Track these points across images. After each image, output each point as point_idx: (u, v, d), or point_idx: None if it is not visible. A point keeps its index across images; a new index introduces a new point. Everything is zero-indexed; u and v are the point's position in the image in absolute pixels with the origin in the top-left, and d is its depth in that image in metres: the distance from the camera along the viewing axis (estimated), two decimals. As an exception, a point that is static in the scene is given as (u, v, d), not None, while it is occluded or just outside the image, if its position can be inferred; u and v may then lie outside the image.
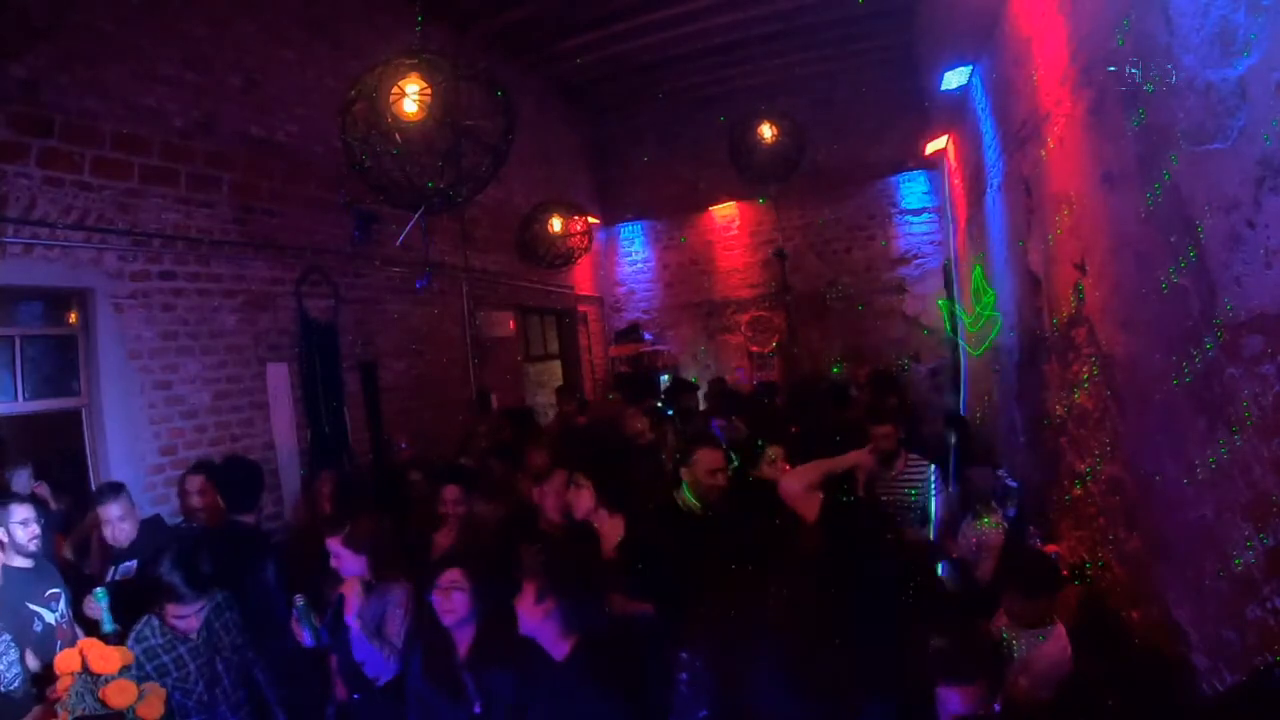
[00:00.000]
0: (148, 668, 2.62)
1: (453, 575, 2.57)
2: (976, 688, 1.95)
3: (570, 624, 2.20)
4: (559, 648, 2.21)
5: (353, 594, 2.75)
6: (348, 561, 2.85)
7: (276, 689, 2.90)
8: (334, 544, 2.86)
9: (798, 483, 2.95)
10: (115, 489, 3.26)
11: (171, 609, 2.65)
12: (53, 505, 3.74)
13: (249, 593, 3.11)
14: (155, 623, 2.72)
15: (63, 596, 2.89)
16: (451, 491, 3.62)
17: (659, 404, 6.49)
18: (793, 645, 2.12)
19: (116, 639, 2.71)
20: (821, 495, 2.82)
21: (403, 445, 5.66)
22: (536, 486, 3.50)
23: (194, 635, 2.73)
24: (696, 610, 2.35)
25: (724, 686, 2.10)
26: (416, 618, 2.80)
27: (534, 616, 2.20)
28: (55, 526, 3.66)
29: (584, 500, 3.06)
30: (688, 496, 3.20)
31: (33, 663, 2.63)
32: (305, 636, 2.80)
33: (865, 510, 3.03)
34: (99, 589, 2.88)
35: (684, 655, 2.19)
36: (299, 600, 2.82)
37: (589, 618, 2.24)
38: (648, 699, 2.20)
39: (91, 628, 2.89)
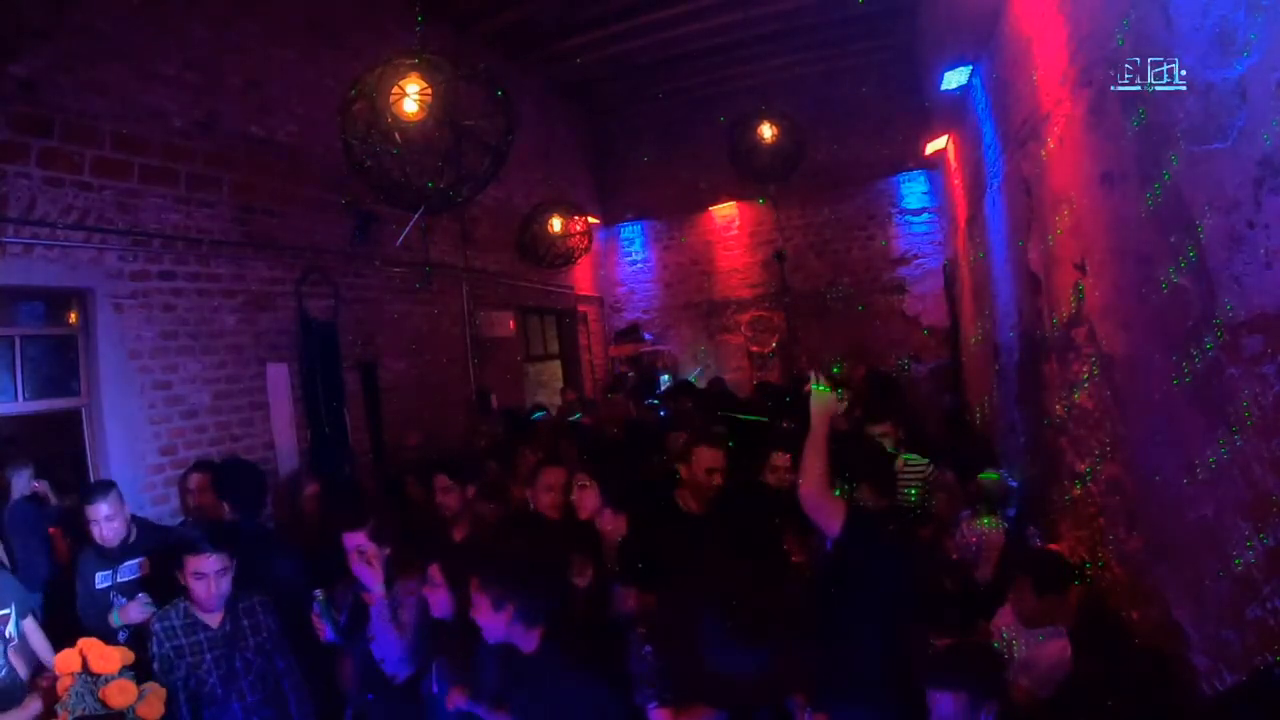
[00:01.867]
0: (166, 646, 2.70)
1: (431, 570, 2.60)
2: (966, 694, 1.95)
3: (531, 619, 2.23)
4: (527, 642, 2.24)
5: (375, 586, 2.74)
6: (370, 557, 2.82)
7: (302, 697, 2.86)
8: (358, 538, 2.80)
9: (814, 483, 2.51)
10: (104, 487, 3.22)
11: (191, 562, 2.68)
12: (53, 500, 3.74)
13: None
14: (183, 606, 2.77)
15: (12, 616, 2.82)
16: (440, 480, 3.56)
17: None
18: (734, 597, 2.13)
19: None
20: (844, 504, 2.57)
21: (413, 444, 5.63)
22: (528, 488, 3.40)
23: (215, 626, 2.75)
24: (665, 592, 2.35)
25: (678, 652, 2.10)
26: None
27: (497, 625, 2.22)
28: (52, 522, 3.66)
29: (588, 500, 3.04)
30: (686, 496, 3.19)
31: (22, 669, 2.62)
32: (326, 631, 2.78)
33: (890, 518, 2.95)
34: (141, 594, 2.99)
35: (641, 631, 2.20)
36: (319, 594, 2.79)
37: (546, 604, 2.27)
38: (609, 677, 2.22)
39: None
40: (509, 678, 2.28)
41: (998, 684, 2.01)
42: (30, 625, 2.91)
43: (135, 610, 2.94)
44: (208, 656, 2.72)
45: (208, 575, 2.69)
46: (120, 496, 3.24)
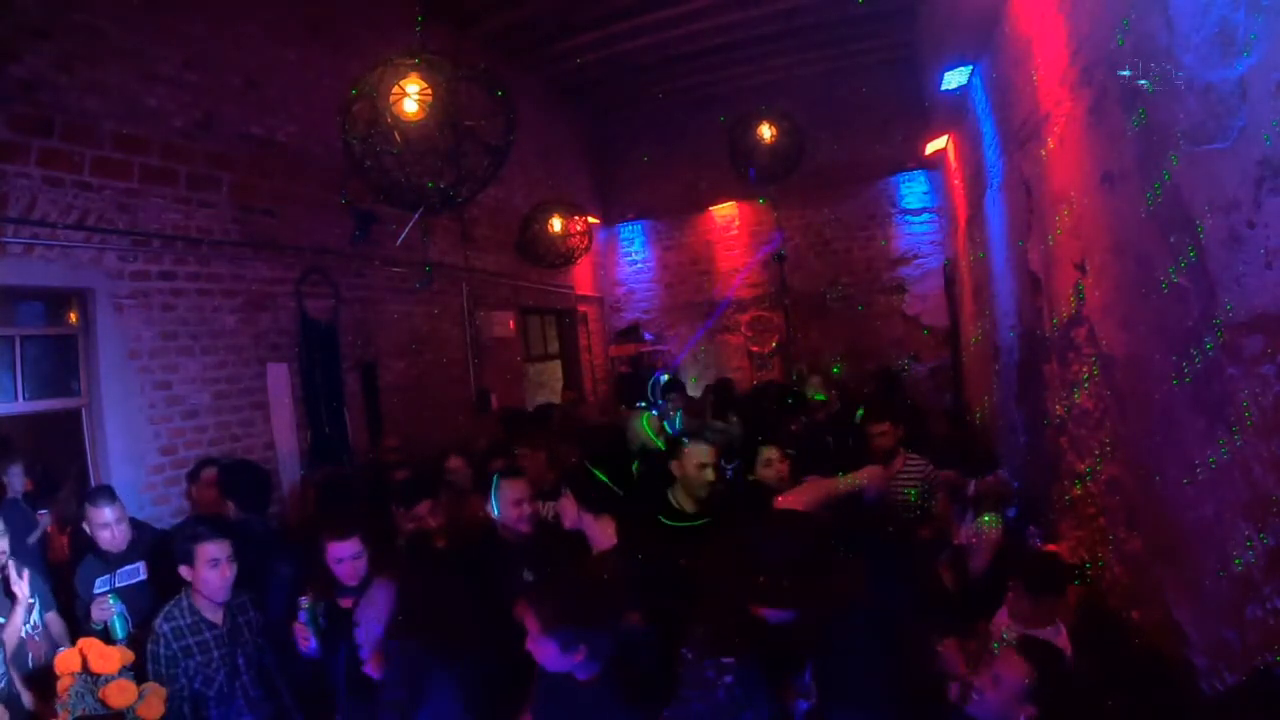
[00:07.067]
0: (174, 646, 2.67)
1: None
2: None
3: (599, 654, 2.16)
4: (585, 671, 2.18)
5: (363, 610, 2.71)
6: (360, 564, 2.80)
7: (294, 692, 2.88)
8: (350, 545, 2.78)
9: (800, 507, 2.63)
10: (107, 493, 3.20)
11: (203, 550, 2.70)
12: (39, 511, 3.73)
13: (267, 593, 3.05)
14: (185, 603, 2.75)
15: (36, 605, 2.82)
16: (422, 507, 3.45)
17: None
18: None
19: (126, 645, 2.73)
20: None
21: (392, 445, 5.50)
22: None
23: (221, 624, 2.76)
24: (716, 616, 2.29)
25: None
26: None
27: (565, 663, 2.14)
28: (50, 522, 3.66)
29: (568, 508, 2.91)
30: (680, 495, 3.17)
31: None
32: (310, 640, 2.70)
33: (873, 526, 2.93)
34: (112, 593, 2.92)
35: (726, 661, 2.05)
36: (304, 602, 2.71)
37: (610, 638, 2.20)
38: (656, 706, 2.18)
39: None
40: (558, 700, 2.23)
41: (1042, 690, 1.96)
42: (53, 618, 2.92)
43: (97, 610, 2.88)
44: (215, 654, 2.73)
45: (222, 561, 2.73)
46: (121, 502, 3.22)
